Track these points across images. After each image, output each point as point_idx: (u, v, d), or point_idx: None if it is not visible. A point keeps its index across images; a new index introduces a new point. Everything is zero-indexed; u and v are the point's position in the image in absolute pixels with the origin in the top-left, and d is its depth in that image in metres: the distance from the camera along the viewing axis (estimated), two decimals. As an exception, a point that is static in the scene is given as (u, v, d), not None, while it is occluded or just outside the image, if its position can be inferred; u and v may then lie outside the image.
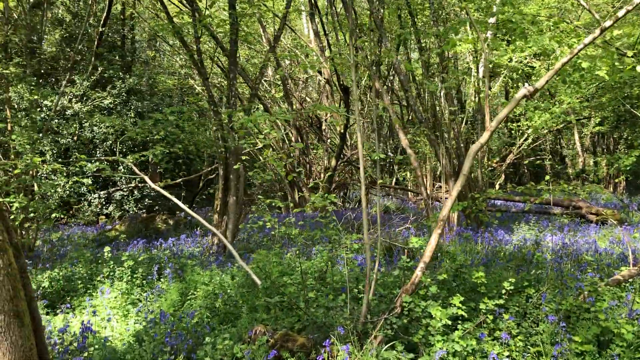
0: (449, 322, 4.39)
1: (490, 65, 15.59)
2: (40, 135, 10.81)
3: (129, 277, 7.99)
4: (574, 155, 27.84)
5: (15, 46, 13.23)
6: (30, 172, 9.62)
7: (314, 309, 5.37)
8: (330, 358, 4.48)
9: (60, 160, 16.44)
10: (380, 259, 8.17)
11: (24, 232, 9.57)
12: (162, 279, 8.26)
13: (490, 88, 15.14)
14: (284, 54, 17.60)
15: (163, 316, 5.92)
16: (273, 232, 8.81)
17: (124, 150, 17.68)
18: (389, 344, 4.54)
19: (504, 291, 5.03)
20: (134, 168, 7.57)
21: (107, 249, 8.20)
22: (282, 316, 5.71)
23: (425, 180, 22.46)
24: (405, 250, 6.25)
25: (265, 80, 21.21)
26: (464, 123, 16.22)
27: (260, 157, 18.99)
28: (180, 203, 7.14)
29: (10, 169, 8.54)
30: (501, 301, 4.83)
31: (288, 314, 5.73)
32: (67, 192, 14.59)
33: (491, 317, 4.91)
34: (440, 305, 4.81)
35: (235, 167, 7.66)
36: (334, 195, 9.80)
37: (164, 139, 12.50)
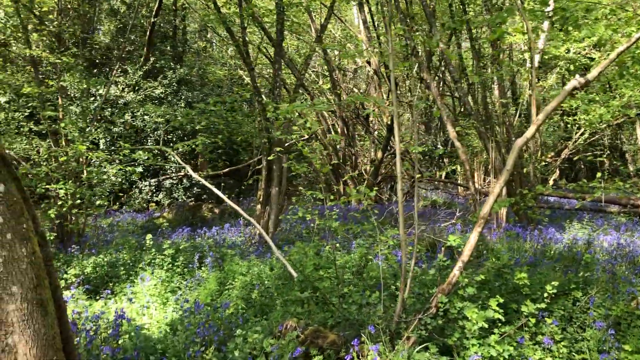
0: (486, 325, 4.18)
1: (546, 57, 14.97)
2: (90, 123, 11.08)
3: (170, 265, 8.08)
4: (636, 151, 26.53)
5: (72, 37, 13.60)
6: (81, 160, 9.85)
7: (347, 305, 5.25)
8: (360, 357, 4.35)
9: (112, 148, 16.88)
10: (421, 256, 7.96)
11: (73, 218, 9.83)
12: (202, 268, 8.32)
13: (538, 79, 14.52)
14: (331, 44, 17.44)
15: (198, 306, 5.93)
16: (312, 224, 8.73)
17: (174, 139, 17.98)
18: (422, 345, 4.37)
19: (546, 294, 4.76)
20: (177, 157, 7.63)
21: (149, 236, 8.31)
22: (317, 311, 5.61)
23: (475, 174, 21.91)
24: (442, 248, 6.02)
25: (313, 71, 21.11)
26: (517, 116, 15.66)
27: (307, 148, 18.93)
28: (220, 193, 7.14)
29: (60, 156, 8.74)
30: (543, 305, 4.57)
31: (322, 309, 5.63)
32: (119, 179, 15.00)
33: (533, 320, 4.65)
34: (479, 306, 4.60)
35: (269, 157, 7.58)
36: (376, 188, 9.62)
37: (210, 129, 12.60)
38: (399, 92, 19.52)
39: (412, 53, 11.11)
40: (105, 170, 9.32)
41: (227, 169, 17.57)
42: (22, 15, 9.50)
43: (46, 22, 11.36)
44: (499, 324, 4.57)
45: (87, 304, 6.52)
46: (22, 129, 9.30)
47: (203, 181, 7.34)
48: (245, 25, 11.03)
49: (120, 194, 17.59)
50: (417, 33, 12.26)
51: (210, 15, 12.61)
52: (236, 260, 8.04)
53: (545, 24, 12.43)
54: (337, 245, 8.82)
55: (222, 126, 9.23)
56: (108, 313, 5.56)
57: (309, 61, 12.97)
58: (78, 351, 4.31)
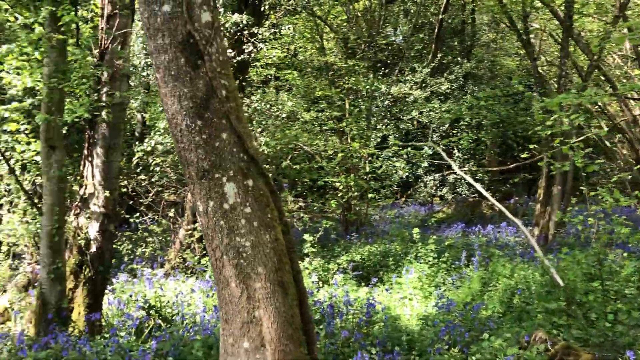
0: None
1: None
2: (379, 121, 11.88)
3: (435, 260, 8.16)
4: None
5: (364, 41, 14.72)
6: (363, 155, 10.64)
7: (611, 323, 4.59)
8: (617, 386, 3.78)
9: (403, 143, 17.72)
10: None
11: (355, 209, 10.69)
12: (470, 266, 8.20)
13: None
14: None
15: (450, 305, 5.91)
16: (593, 229, 7.79)
17: (458, 133, 17.96)
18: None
19: None
20: (442, 153, 7.67)
21: (415, 230, 8.54)
22: (580, 325, 5.05)
23: None
24: None
25: (618, 55, 18.65)
26: None
27: (608, 143, 16.88)
28: (482, 189, 6.93)
29: (341, 151, 9.59)
30: None
31: (586, 324, 5.04)
32: (405, 173, 15.67)
33: None
34: None
35: (530, 145, 6.98)
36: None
37: (493, 123, 12.25)
38: None
39: None
40: (375, 165, 9.89)
41: (512, 165, 16.79)
42: (318, 27, 10.71)
43: (343, 30, 12.55)
44: None
45: (352, 289, 7.06)
46: (313, 128, 10.50)
47: (467, 178, 7.24)
48: (528, 11, 10.41)
49: (396, 188, 18.30)
50: None
51: (489, 6, 12.24)
52: (502, 261, 7.69)
53: None
54: (625, 254, 7.70)
55: (487, 120, 8.90)
56: (360, 300, 5.92)
57: (605, 43, 11.53)
58: (317, 332, 4.73)
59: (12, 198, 6.35)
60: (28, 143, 5.70)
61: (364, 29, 13.02)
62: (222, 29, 7.36)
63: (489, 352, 4.49)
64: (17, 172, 6.05)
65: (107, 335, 5.12)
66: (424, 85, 18.04)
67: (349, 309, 5.55)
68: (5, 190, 6.41)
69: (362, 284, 7.85)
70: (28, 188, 6.22)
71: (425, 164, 17.41)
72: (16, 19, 4.91)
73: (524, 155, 7.00)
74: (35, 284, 5.53)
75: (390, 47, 19.28)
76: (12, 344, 4.82)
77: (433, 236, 8.69)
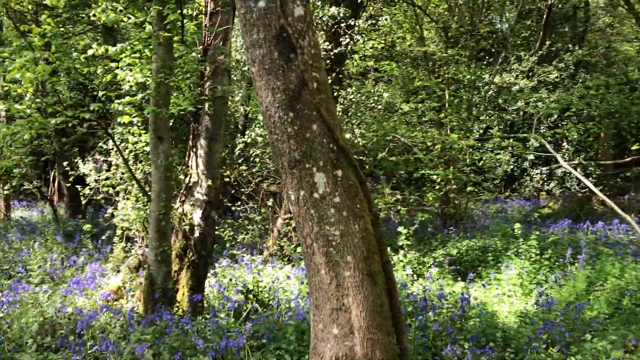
0: None
1: None
2: (483, 111, 11.51)
3: (537, 257, 7.82)
4: None
5: (468, 29, 14.27)
6: (464, 147, 10.36)
7: None
8: None
9: (505, 134, 17.04)
10: None
11: (454, 202, 10.46)
12: (576, 264, 7.78)
13: None
14: None
15: (551, 303, 5.66)
16: None
17: (567, 124, 16.99)
18: None
19: None
20: (546, 144, 7.28)
21: (517, 225, 8.22)
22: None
23: None
24: None
25: None
26: None
27: None
28: (590, 184, 6.52)
29: (438, 143, 9.39)
30: None
31: None
32: (510, 166, 15.01)
33: None
34: None
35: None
36: None
37: (610, 114, 11.44)
38: None
39: None
40: (475, 158, 9.59)
41: (628, 158, 15.65)
42: (418, 17, 10.55)
43: (444, 19, 12.27)
44: None
45: (447, 284, 6.93)
46: (412, 119, 10.39)
47: (574, 172, 6.85)
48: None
49: (500, 181, 17.61)
50: None
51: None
52: (611, 260, 7.22)
53: None
54: None
55: (598, 110, 8.34)
56: (457, 294, 5.80)
57: None
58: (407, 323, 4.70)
59: (127, 186, 6.85)
60: (139, 135, 6.17)
61: (466, 17, 12.65)
62: (317, 22, 7.42)
63: (591, 353, 4.27)
64: (130, 162, 6.54)
65: (207, 316, 5.45)
66: (530, 74, 17.21)
67: (443, 302, 5.47)
68: (120, 179, 6.95)
69: (459, 278, 7.69)
70: (139, 177, 6.70)
71: (532, 157, 16.65)
72: (129, 18, 5.31)
73: (634, 147, 6.49)
74: (145, 266, 5.96)
75: (494, 35, 18.57)
76: (124, 319, 5.26)
77: (536, 232, 8.32)
